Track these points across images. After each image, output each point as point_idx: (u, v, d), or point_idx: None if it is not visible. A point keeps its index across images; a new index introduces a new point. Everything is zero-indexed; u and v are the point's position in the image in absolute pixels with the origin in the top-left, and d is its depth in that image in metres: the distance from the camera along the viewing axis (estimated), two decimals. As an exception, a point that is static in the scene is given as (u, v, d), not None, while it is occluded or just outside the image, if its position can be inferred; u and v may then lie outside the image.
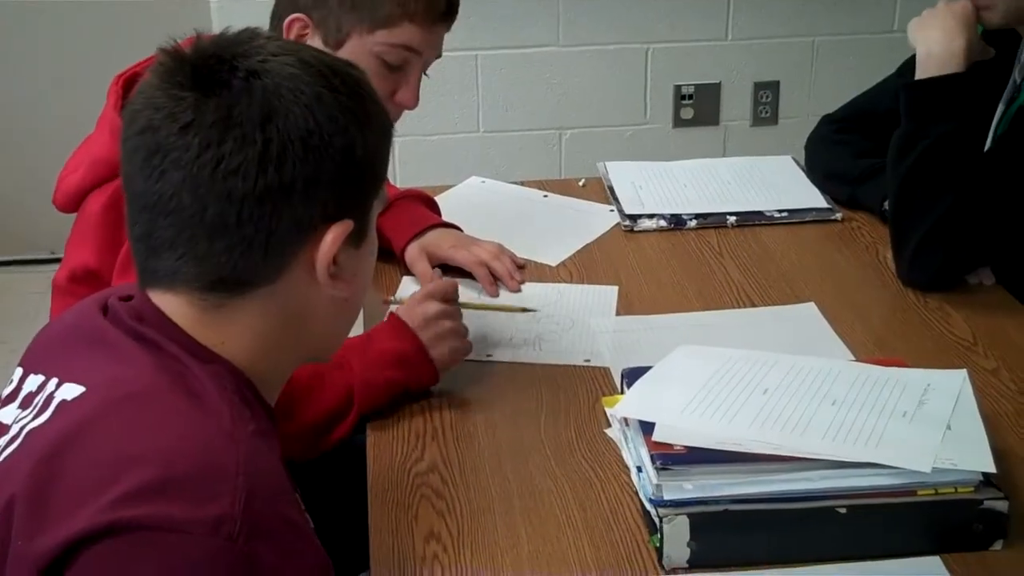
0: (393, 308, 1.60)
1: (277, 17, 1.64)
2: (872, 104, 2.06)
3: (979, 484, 1.25)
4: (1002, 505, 1.24)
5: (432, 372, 1.51)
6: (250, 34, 1.06)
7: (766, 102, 3.56)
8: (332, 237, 1.03)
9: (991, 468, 1.24)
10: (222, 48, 1.02)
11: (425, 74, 1.67)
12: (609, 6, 3.39)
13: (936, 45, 1.76)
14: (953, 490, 1.24)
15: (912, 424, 1.30)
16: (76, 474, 0.92)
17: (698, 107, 3.54)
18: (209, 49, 1.02)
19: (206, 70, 1.00)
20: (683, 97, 3.52)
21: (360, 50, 1.57)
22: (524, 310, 1.70)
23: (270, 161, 0.99)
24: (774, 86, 3.55)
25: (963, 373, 1.42)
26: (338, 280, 1.06)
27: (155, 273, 1.04)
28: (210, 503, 0.89)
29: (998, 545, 1.25)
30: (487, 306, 1.71)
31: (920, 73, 1.78)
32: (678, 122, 3.55)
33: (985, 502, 1.24)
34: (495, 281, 1.78)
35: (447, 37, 1.68)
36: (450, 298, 1.57)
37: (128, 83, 1.61)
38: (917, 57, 1.79)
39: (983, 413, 1.35)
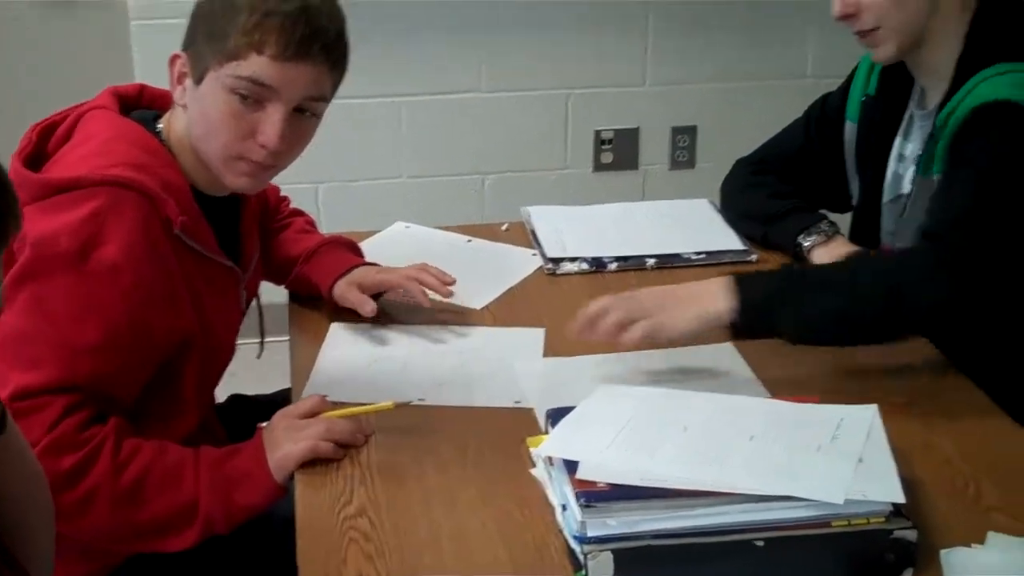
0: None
1: None
2: (784, 146, 2.13)
3: (890, 515, 1.29)
4: (911, 535, 1.29)
5: (274, 489, 1.50)
6: None
7: (684, 146, 3.64)
8: None
9: (901, 499, 1.29)
10: None
11: (314, 115, 1.59)
12: (530, 53, 3.45)
13: (701, 305, 1.66)
14: (865, 521, 1.29)
15: (825, 458, 1.35)
16: None
17: (617, 152, 3.61)
18: None
19: None
20: (603, 142, 3.59)
21: (215, 84, 1.53)
22: (398, 405, 1.56)
23: None
24: (691, 131, 3.63)
25: (873, 408, 1.47)
26: None
27: None
28: None
29: (908, 573, 1.30)
30: (362, 409, 1.58)
31: (720, 323, 1.66)
32: (598, 166, 3.62)
33: (895, 532, 1.29)
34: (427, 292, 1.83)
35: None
36: (312, 414, 1.55)
37: (44, 133, 1.61)
38: (702, 324, 1.66)
39: (893, 446, 1.40)
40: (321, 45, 1.53)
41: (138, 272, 1.49)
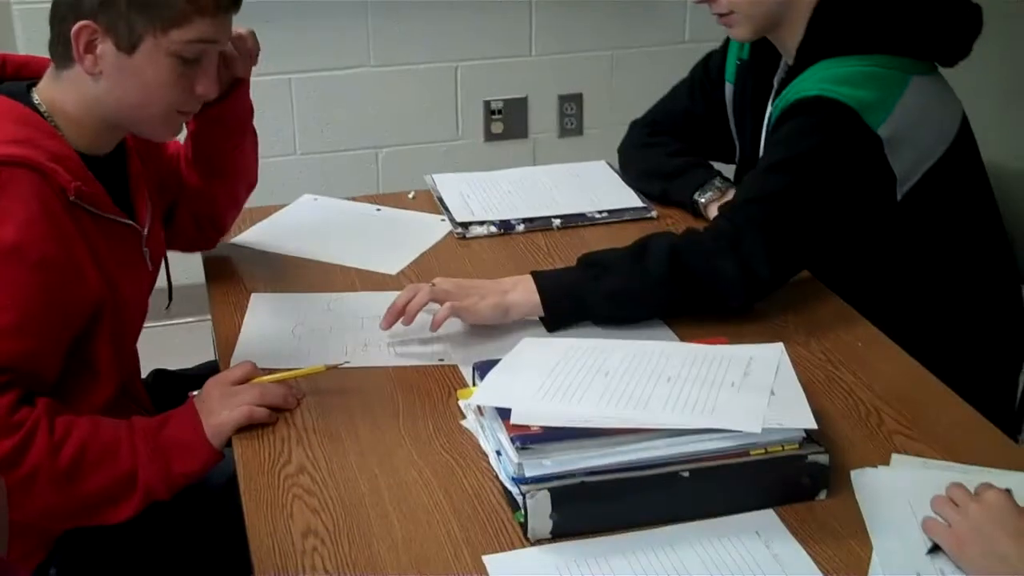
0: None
1: (57, 26, 1.59)
2: (672, 107, 2.23)
3: (803, 441, 1.39)
4: (824, 458, 1.39)
5: (212, 455, 1.55)
6: None
7: (571, 114, 3.72)
8: None
9: (813, 425, 1.38)
10: None
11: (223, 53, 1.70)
12: (416, 26, 3.49)
13: (501, 296, 1.75)
14: (781, 448, 1.38)
15: (740, 393, 1.44)
16: None
17: (507, 121, 3.67)
18: None
19: None
20: (493, 112, 3.65)
21: (156, 52, 1.56)
22: (329, 368, 1.63)
23: None
24: (578, 98, 3.72)
25: (780, 346, 1.57)
26: None
27: None
28: None
29: (823, 495, 1.40)
30: (294, 373, 1.62)
31: (531, 307, 1.76)
32: (489, 136, 3.68)
33: (809, 456, 1.38)
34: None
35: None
36: (244, 380, 1.59)
37: None
38: (499, 313, 1.75)
39: (800, 380, 1.50)
40: None
41: (41, 249, 1.49)
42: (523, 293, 1.76)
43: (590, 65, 3.68)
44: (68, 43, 1.56)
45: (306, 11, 3.36)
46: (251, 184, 2.01)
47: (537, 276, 1.78)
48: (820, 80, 1.82)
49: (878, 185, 1.83)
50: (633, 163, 2.25)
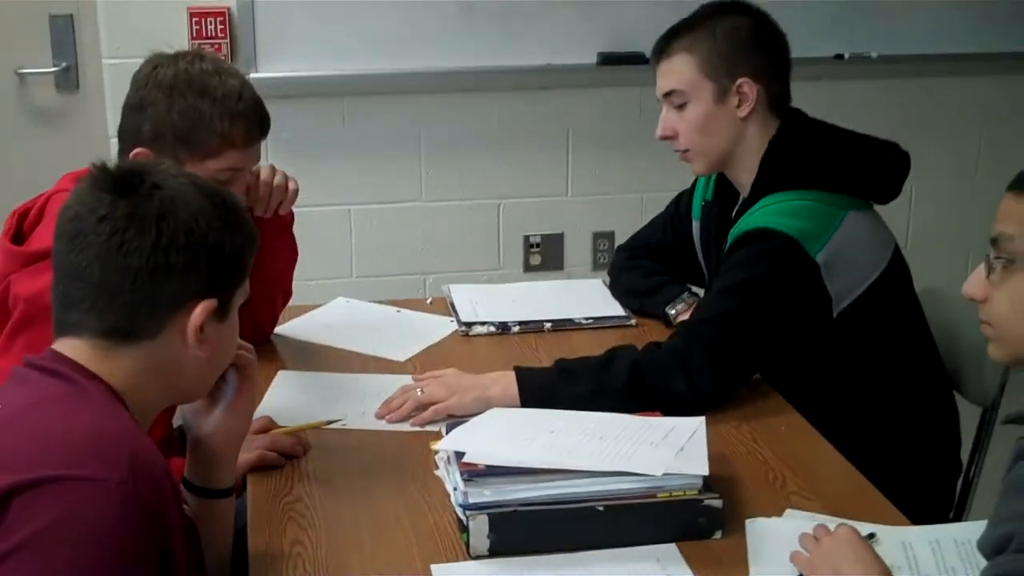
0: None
1: (122, 143, 1.96)
2: (649, 237, 2.61)
3: (701, 488, 1.69)
4: (718, 503, 1.69)
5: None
6: (158, 161, 1.53)
7: (603, 250, 4.08)
8: (201, 309, 1.42)
9: (706, 472, 1.68)
10: (136, 166, 1.45)
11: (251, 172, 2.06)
12: (465, 166, 3.90)
13: (482, 392, 2.03)
14: (683, 493, 1.68)
15: (655, 449, 1.75)
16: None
17: (545, 254, 4.05)
18: (126, 166, 1.44)
19: (122, 179, 1.41)
20: (532, 246, 4.03)
21: None
22: (330, 423, 1.97)
23: (160, 248, 1.38)
24: (610, 235, 4.07)
25: (701, 419, 1.87)
26: (203, 344, 1.44)
27: (67, 323, 1.43)
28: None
29: (718, 535, 1.69)
30: (300, 427, 1.96)
31: (509, 399, 2.03)
32: (528, 268, 4.05)
33: (705, 501, 1.68)
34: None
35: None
36: (262, 431, 1.93)
37: (20, 217, 2.00)
38: (480, 407, 1.99)
39: (719, 451, 1.79)
40: (268, 125, 2.00)
41: None
42: (503, 388, 2.05)
43: (622, 206, 4.04)
44: None
45: (367, 151, 3.80)
46: (287, 293, 2.39)
47: (518, 374, 2.07)
48: (768, 213, 2.15)
49: (815, 305, 2.13)
50: (616, 283, 2.61)
